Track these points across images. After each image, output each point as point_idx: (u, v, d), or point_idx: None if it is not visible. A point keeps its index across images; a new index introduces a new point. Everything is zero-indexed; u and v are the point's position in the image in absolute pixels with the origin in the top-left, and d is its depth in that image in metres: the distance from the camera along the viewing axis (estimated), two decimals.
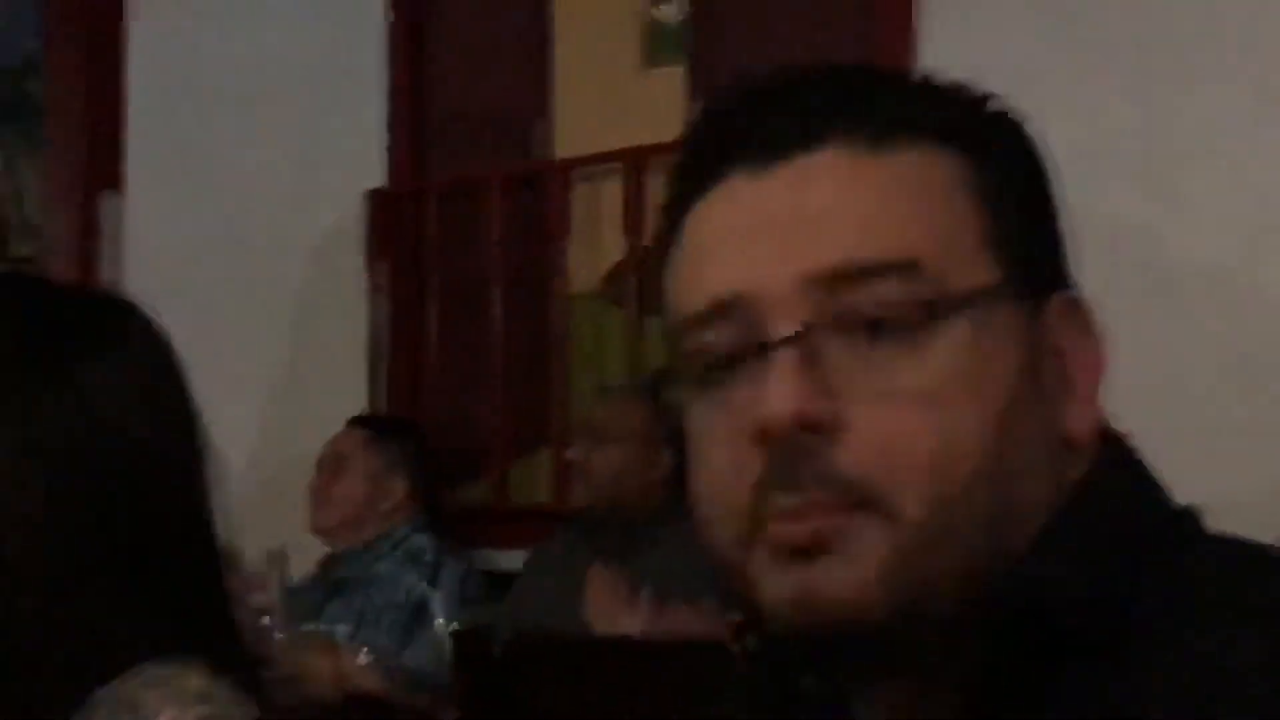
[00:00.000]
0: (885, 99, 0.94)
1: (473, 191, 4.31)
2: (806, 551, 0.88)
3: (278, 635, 3.36)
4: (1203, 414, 3.36)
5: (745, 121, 0.94)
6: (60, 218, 4.96)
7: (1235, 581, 0.88)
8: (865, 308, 0.89)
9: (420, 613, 3.80)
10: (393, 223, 4.39)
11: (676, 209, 0.96)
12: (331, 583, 3.95)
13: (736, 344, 0.91)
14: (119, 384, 1.31)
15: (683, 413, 0.94)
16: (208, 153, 4.68)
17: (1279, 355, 3.37)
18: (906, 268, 0.89)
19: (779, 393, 0.87)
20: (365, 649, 3.59)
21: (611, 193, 4.02)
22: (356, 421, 4.14)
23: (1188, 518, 0.95)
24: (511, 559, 3.91)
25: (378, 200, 4.41)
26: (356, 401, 4.36)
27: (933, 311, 0.89)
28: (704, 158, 0.95)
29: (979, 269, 0.91)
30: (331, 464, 4.03)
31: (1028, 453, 0.91)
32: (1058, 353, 0.93)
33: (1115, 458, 0.94)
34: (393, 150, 4.43)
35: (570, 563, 3.58)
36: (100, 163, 4.91)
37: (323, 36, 4.52)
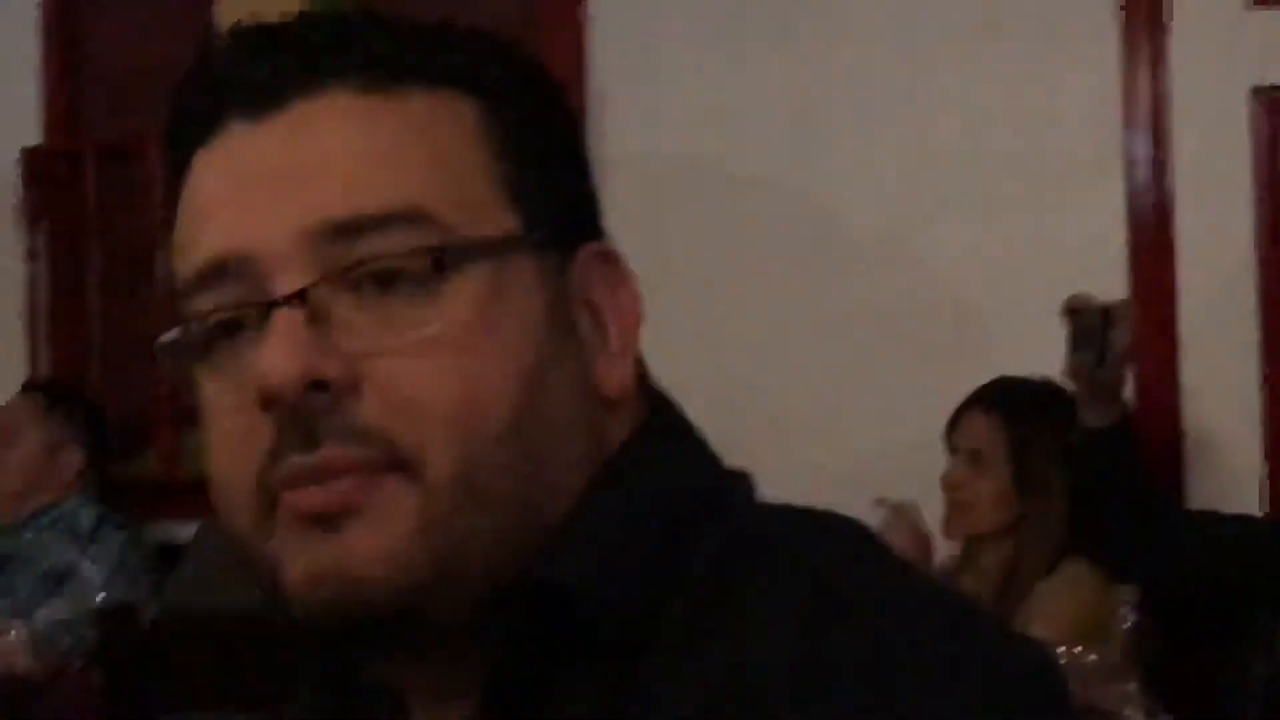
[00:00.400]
0: (392, 42, 0.89)
1: (133, 152, 4.19)
2: (330, 519, 0.82)
3: None
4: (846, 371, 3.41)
5: (241, 66, 0.88)
6: None
7: (773, 564, 0.83)
8: (372, 260, 0.84)
9: (67, 579, 3.67)
10: (50, 182, 4.24)
11: (175, 162, 0.90)
12: None
13: (239, 305, 0.85)
14: None
15: (191, 383, 0.88)
16: None
17: (919, 311, 3.44)
18: (413, 217, 0.84)
19: (280, 353, 0.82)
20: (16, 626, 3.47)
21: None
22: (28, 388, 3.98)
23: (734, 482, 0.91)
24: (186, 531, 3.81)
25: (33, 159, 4.27)
26: (16, 369, 4.21)
27: (443, 262, 0.84)
28: (199, 107, 0.89)
29: (495, 218, 0.87)
30: (0, 432, 3.88)
31: (559, 407, 0.87)
32: (589, 305, 0.90)
33: (656, 419, 0.91)
34: (48, 107, 4.28)
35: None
36: None
37: None
